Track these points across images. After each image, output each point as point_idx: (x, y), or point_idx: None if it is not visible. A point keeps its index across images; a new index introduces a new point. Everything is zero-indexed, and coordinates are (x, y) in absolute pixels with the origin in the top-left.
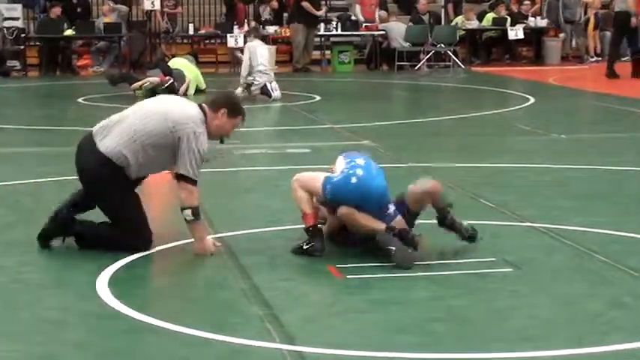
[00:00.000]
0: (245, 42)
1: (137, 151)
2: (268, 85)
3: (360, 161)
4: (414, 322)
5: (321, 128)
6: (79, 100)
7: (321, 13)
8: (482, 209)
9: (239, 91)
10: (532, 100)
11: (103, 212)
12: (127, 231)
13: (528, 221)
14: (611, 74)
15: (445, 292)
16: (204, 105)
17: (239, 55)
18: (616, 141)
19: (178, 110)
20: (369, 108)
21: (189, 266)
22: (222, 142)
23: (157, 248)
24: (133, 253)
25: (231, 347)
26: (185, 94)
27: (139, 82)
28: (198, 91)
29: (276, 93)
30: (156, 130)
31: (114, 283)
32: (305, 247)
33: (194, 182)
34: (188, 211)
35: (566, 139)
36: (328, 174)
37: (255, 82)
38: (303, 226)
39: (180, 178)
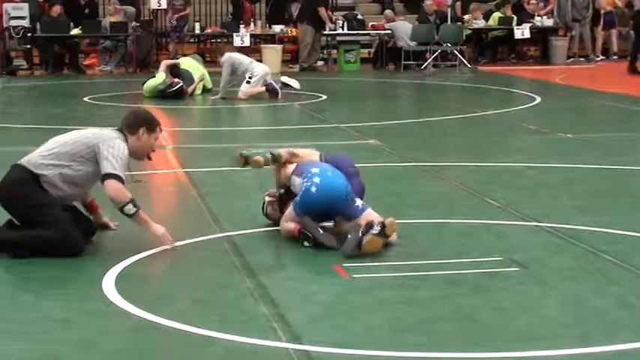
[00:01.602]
0: (252, 41)
1: (58, 163)
2: (272, 81)
3: (315, 170)
4: (420, 321)
5: (328, 127)
6: (85, 99)
7: (332, 25)
8: (488, 208)
9: (242, 88)
10: (538, 99)
11: (32, 221)
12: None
13: (535, 220)
14: (634, 69)
15: (452, 291)
16: (121, 130)
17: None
18: (622, 140)
19: (93, 130)
20: (376, 107)
21: (195, 265)
22: (149, 158)
23: (163, 247)
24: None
25: (237, 346)
26: (192, 94)
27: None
28: (204, 90)
29: (294, 82)
30: (74, 148)
31: (120, 281)
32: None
33: (120, 179)
34: (129, 206)
35: (573, 138)
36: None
37: (255, 74)
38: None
39: (106, 177)
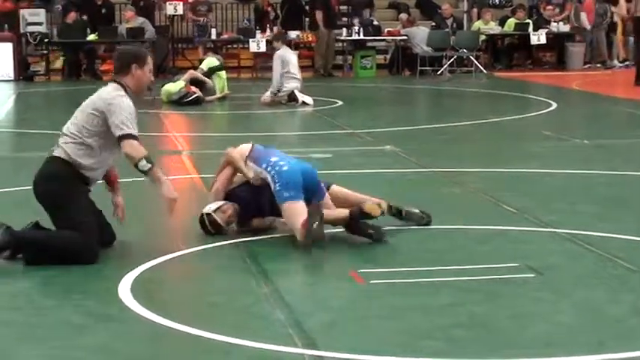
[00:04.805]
0: (268, 47)
1: (85, 146)
2: (297, 92)
3: (274, 158)
4: (435, 327)
5: (343, 133)
6: None
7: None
8: (504, 215)
9: (267, 95)
10: (554, 105)
11: (59, 220)
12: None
13: (551, 227)
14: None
15: (467, 297)
16: (116, 79)
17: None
18: (639, 146)
19: (95, 98)
20: (391, 113)
21: (211, 271)
22: (149, 89)
23: (179, 253)
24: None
25: (252, 352)
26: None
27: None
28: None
29: (308, 99)
30: (88, 123)
31: (136, 287)
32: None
33: (134, 137)
34: (143, 162)
35: (589, 144)
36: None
37: (284, 89)
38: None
39: (120, 139)
